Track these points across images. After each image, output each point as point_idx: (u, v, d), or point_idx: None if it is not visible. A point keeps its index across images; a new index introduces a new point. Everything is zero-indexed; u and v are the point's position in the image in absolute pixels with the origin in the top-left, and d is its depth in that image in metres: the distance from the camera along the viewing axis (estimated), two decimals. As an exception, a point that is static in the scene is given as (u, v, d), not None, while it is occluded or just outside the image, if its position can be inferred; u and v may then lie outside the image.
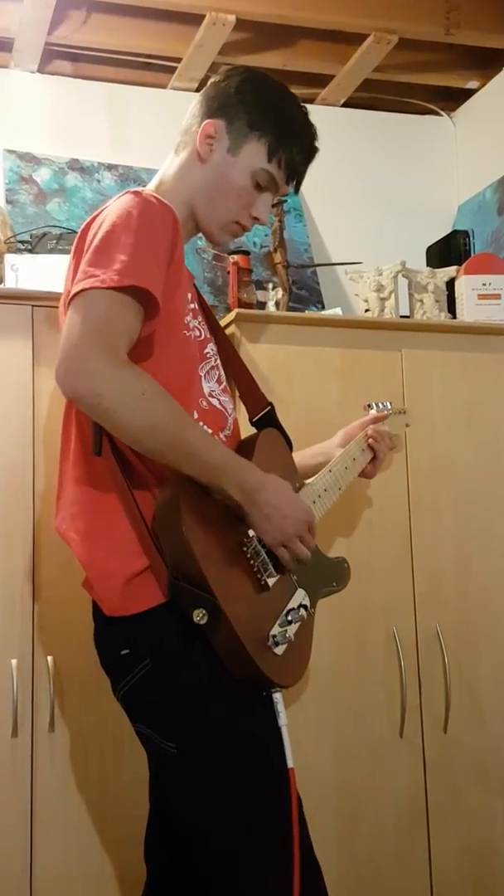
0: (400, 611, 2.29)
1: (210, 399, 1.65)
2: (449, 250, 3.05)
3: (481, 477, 2.42)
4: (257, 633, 1.51)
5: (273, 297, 2.58)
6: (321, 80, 3.15)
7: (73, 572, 1.65)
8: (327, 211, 3.14)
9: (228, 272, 2.54)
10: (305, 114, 1.74)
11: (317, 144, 1.75)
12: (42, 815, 2.03)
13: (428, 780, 2.27)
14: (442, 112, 3.34)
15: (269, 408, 1.84)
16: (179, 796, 1.54)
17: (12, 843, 2.01)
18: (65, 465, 1.65)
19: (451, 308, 2.74)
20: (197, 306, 1.70)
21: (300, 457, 1.92)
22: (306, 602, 1.62)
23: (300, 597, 1.62)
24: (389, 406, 2.14)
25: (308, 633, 1.68)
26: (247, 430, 1.81)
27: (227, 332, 2.23)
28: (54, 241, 2.43)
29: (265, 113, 1.69)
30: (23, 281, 2.26)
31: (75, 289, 1.47)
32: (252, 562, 1.54)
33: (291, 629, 1.55)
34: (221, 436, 1.66)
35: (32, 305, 2.15)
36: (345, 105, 3.25)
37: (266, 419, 1.83)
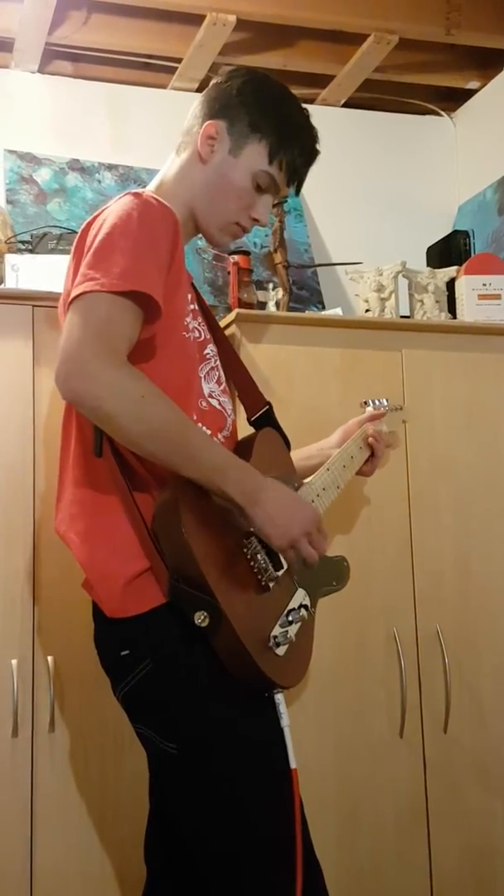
0: (400, 610, 2.30)
1: (209, 400, 1.65)
2: (449, 250, 3.05)
3: (481, 477, 2.42)
4: (258, 635, 1.51)
5: (273, 297, 2.58)
6: (321, 81, 3.15)
7: (73, 572, 1.65)
8: (328, 211, 3.14)
9: (229, 272, 2.54)
10: (307, 116, 1.74)
11: (318, 147, 1.75)
12: (42, 816, 2.04)
13: (428, 779, 2.27)
14: (442, 112, 3.35)
15: (268, 407, 1.84)
16: (180, 797, 1.54)
17: (12, 843, 2.01)
18: (64, 466, 1.65)
19: (452, 308, 2.74)
20: (196, 307, 1.70)
21: (297, 456, 1.92)
22: (307, 602, 1.62)
23: (300, 597, 1.62)
24: (386, 403, 2.14)
25: (309, 633, 1.68)
26: (245, 430, 1.81)
27: (228, 332, 2.23)
28: (55, 242, 2.43)
29: (266, 115, 1.69)
30: (23, 281, 2.26)
31: (75, 291, 1.47)
32: (252, 563, 1.54)
33: (292, 629, 1.55)
34: (220, 436, 1.66)
35: (33, 305, 2.15)
36: (345, 105, 3.25)
37: (264, 419, 1.83)
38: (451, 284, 2.74)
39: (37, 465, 2.12)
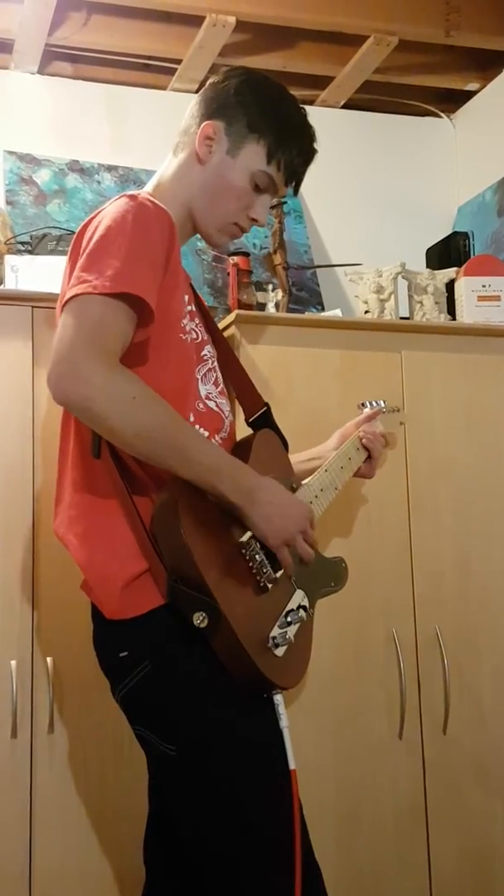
0: (399, 612, 2.30)
1: (206, 401, 1.65)
2: (449, 252, 3.06)
3: (481, 478, 2.42)
4: (257, 636, 1.51)
5: (273, 298, 2.58)
6: (321, 82, 3.15)
7: (72, 574, 1.65)
8: (327, 212, 3.14)
9: (228, 273, 2.54)
10: (304, 115, 1.74)
11: (316, 146, 1.74)
12: (41, 817, 2.03)
13: (427, 781, 2.27)
14: (442, 114, 3.35)
15: (266, 408, 1.84)
16: (179, 798, 1.54)
17: (12, 844, 2.01)
18: (63, 467, 1.65)
19: (451, 309, 2.74)
20: (194, 308, 1.69)
21: (295, 459, 1.92)
22: (305, 603, 1.62)
23: (299, 597, 1.62)
24: (383, 404, 2.14)
25: (307, 634, 1.68)
26: (243, 431, 1.81)
27: (227, 333, 2.23)
28: (54, 243, 2.43)
29: (264, 115, 1.68)
30: (23, 282, 2.26)
31: (69, 293, 1.47)
32: (251, 564, 1.54)
33: (291, 630, 1.55)
34: (217, 438, 1.66)
35: (32, 306, 2.15)
36: (345, 106, 3.26)
37: (262, 420, 1.83)
38: (450, 286, 2.74)
39: (36, 466, 2.12)
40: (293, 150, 1.70)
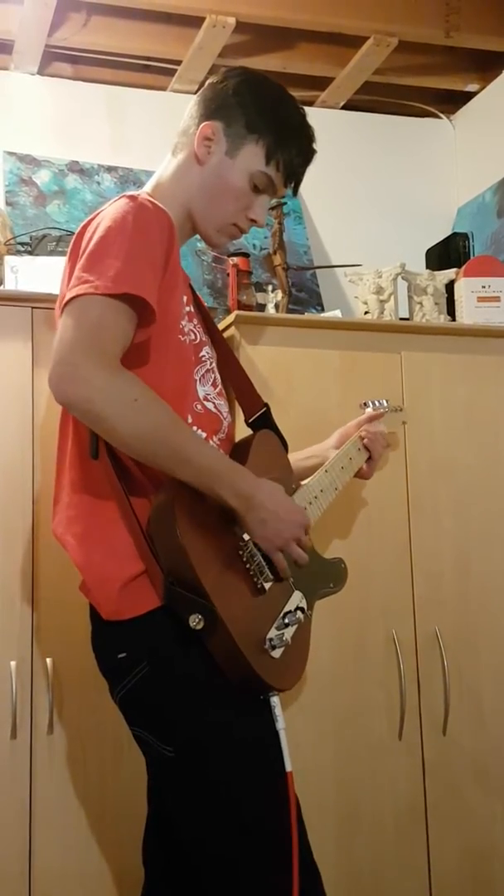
0: (399, 613, 2.29)
1: (205, 402, 1.65)
2: (448, 253, 3.06)
3: (481, 479, 2.42)
4: (254, 637, 1.50)
5: (273, 299, 2.58)
6: (321, 83, 3.15)
7: (71, 574, 1.65)
8: (327, 213, 3.14)
9: (228, 274, 2.54)
10: (303, 115, 1.74)
11: (315, 146, 1.74)
12: (41, 817, 2.04)
13: (427, 781, 2.27)
14: (441, 115, 3.35)
15: (265, 409, 1.84)
16: (178, 799, 1.54)
17: (11, 845, 2.01)
18: (61, 468, 1.65)
19: (451, 310, 2.74)
20: (193, 309, 1.69)
21: (295, 458, 1.92)
22: (303, 604, 1.62)
23: (297, 599, 1.62)
24: (385, 404, 2.14)
25: (305, 635, 1.67)
26: (242, 431, 1.81)
27: (227, 334, 2.23)
28: (54, 243, 2.43)
29: (263, 115, 1.68)
30: (22, 283, 2.26)
31: (69, 294, 1.47)
32: (248, 565, 1.54)
33: (288, 632, 1.55)
34: (216, 439, 1.66)
35: (32, 307, 2.15)
36: (344, 107, 3.26)
37: (262, 420, 1.83)
38: (450, 287, 2.74)
39: (36, 466, 2.12)
40: (292, 150, 1.70)
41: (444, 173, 3.33)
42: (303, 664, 1.65)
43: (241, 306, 2.44)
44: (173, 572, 1.46)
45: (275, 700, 1.52)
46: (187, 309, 1.66)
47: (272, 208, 2.64)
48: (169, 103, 3.02)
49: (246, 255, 2.59)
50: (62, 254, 2.33)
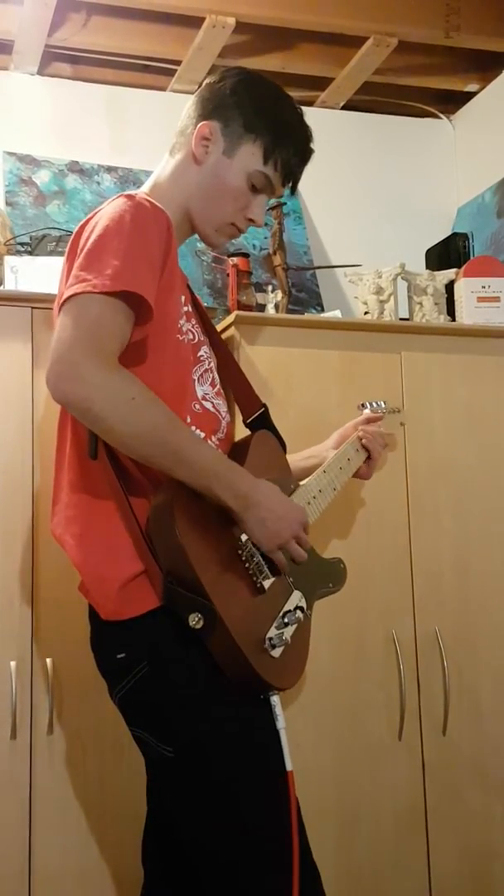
0: (399, 613, 2.29)
1: (203, 402, 1.65)
2: (448, 253, 3.06)
3: (481, 479, 2.42)
4: (254, 637, 1.50)
5: (272, 299, 2.59)
6: (321, 83, 3.15)
7: (71, 574, 1.65)
8: (327, 213, 3.14)
9: (228, 274, 2.54)
10: (301, 115, 1.73)
11: (312, 146, 1.74)
12: (40, 817, 2.04)
13: (427, 782, 2.27)
14: (441, 115, 3.35)
15: (263, 409, 1.84)
16: (177, 800, 1.54)
17: (11, 845, 2.01)
18: (60, 468, 1.65)
19: (451, 311, 2.74)
20: (191, 309, 1.69)
21: (293, 458, 1.92)
22: (302, 604, 1.62)
23: (296, 598, 1.62)
24: (383, 405, 2.14)
25: (305, 634, 1.67)
26: (241, 432, 1.81)
27: (227, 334, 2.23)
28: (54, 243, 2.43)
29: (261, 114, 1.68)
30: (22, 283, 2.26)
31: (67, 293, 1.47)
32: (247, 565, 1.54)
33: (288, 631, 1.55)
34: (214, 439, 1.66)
35: (32, 307, 2.16)
36: (344, 108, 3.26)
37: (260, 421, 1.83)
38: (450, 287, 2.74)
39: (35, 466, 2.12)
40: (290, 149, 1.70)
41: (444, 173, 3.33)
42: (302, 663, 1.65)
43: (241, 306, 2.44)
44: (172, 572, 1.46)
45: (275, 699, 1.52)
46: (185, 309, 1.66)
47: (272, 208, 2.65)
48: (169, 103, 3.02)
49: (246, 255, 2.59)
50: (62, 254, 2.32)
